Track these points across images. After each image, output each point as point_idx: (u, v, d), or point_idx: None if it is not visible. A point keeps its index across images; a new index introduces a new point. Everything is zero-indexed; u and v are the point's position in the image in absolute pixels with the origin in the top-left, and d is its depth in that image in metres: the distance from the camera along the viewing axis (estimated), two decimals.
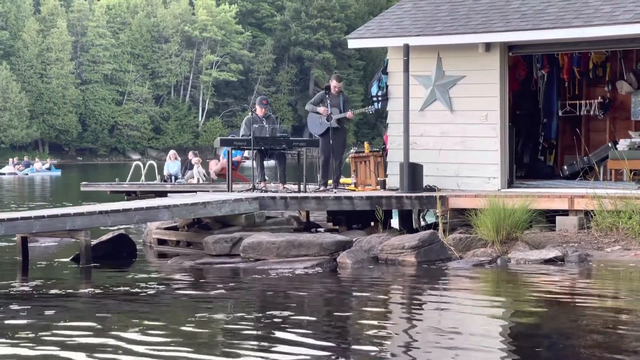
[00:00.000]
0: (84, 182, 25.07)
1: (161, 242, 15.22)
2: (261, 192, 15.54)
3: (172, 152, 26.83)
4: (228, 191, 15.88)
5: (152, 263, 14.00)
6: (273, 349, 7.77)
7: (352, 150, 17.11)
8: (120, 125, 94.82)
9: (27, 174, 53.91)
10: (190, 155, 26.41)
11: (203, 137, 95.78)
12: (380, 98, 16.37)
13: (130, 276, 12.56)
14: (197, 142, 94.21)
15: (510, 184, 15.38)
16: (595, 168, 16.00)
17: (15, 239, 13.95)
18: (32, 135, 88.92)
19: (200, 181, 23.96)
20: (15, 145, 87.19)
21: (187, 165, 25.70)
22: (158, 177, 25.77)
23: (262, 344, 7.99)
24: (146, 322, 8.99)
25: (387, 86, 16.18)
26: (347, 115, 16.00)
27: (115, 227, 15.47)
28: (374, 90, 16.60)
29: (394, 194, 14.82)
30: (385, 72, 16.28)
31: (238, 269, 12.61)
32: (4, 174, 54.32)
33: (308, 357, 7.49)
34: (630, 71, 17.18)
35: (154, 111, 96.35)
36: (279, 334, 8.36)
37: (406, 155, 14.89)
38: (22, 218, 12.76)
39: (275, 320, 9.01)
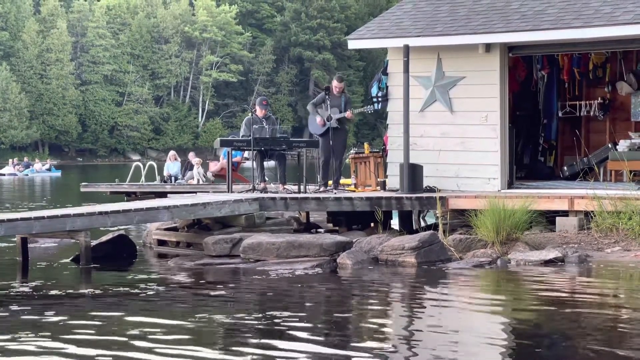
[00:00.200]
0: (83, 183, 25.08)
1: (161, 242, 15.22)
2: (261, 192, 15.53)
3: (172, 152, 26.83)
4: (228, 192, 15.88)
5: (152, 264, 13.99)
6: (273, 349, 7.76)
7: (352, 151, 17.11)
8: (120, 126, 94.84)
9: (27, 175, 53.92)
10: (191, 156, 26.41)
11: (203, 137, 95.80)
12: (380, 99, 16.37)
13: (130, 277, 12.56)
14: (197, 142, 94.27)
15: (510, 185, 15.38)
16: (595, 169, 16.00)
17: (15, 239, 13.95)
18: (32, 136, 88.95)
19: (200, 182, 23.95)
20: (15, 146, 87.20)
21: (187, 166, 25.70)
22: (158, 177, 25.77)
23: (262, 344, 7.99)
24: (146, 323, 8.99)
25: (387, 87, 16.19)
26: (347, 116, 16.00)
27: (115, 228, 15.47)
28: (374, 91, 16.61)
29: (394, 194, 14.82)
30: (385, 73, 16.28)
31: (238, 269, 12.61)
32: (4, 174, 54.32)
33: (308, 358, 7.49)
34: (630, 72, 17.18)
35: (153, 112, 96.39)
36: (279, 335, 8.36)
37: (406, 156, 14.89)
38: (22, 219, 12.76)
39: (275, 321, 9.01)
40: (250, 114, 16.57)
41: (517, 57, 16.77)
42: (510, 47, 15.28)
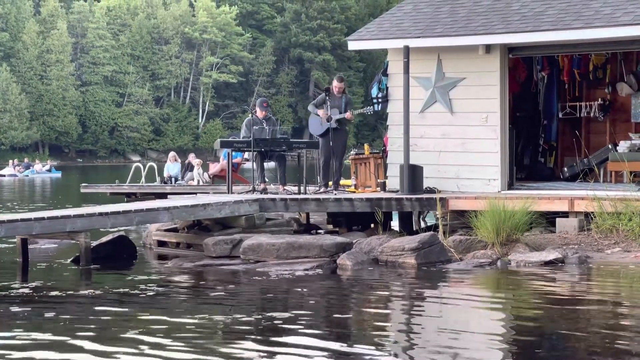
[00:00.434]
0: (84, 184, 25.10)
1: (161, 243, 15.22)
2: (261, 193, 15.54)
3: (172, 153, 26.86)
4: (228, 193, 15.88)
5: (152, 265, 13.99)
6: (273, 350, 7.76)
7: (352, 152, 17.12)
8: (120, 127, 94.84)
9: (27, 176, 53.90)
10: (191, 157, 26.42)
11: (203, 138, 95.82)
12: (380, 100, 16.38)
13: (130, 278, 12.55)
14: (197, 143, 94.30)
15: (510, 186, 15.38)
16: (595, 170, 16.00)
17: (15, 240, 13.94)
18: (32, 137, 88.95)
19: (201, 183, 23.96)
20: (15, 146, 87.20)
21: (187, 167, 25.72)
22: (158, 178, 25.80)
23: (262, 345, 7.99)
24: (146, 324, 8.99)
25: (387, 88, 16.19)
26: (346, 116, 16.00)
27: (115, 229, 15.45)
28: (374, 92, 16.61)
29: (394, 195, 14.82)
30: (385, 74, 16.28)
31: (238, 270, 12.60)
32: (4, 175, 54.29)
33: (308, 358, 7.49)
34: (631, 73, 17.19)
35: (154, 113, 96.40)
36: (279, 336, 8.36)
37: (406, 157, 14.89)
38: (22, 220, 12.76)
39: (276, 321, 9.01)
40: (250, 115, 16.57)
41: (517, 58, 16.77)
42: (510, 48, 15.28)
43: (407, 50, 15.00)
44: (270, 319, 9.12)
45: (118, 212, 13.38)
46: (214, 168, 24.60)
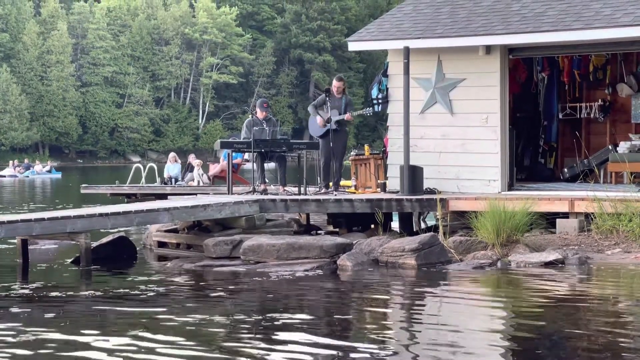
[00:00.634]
0: (84, 185, 25.05)
1: (161, 244, 15.22)
2: (261, 194, 15.53)
3: (172, 154, 26.82)
4: (228, 194, 15.88)
5: (152, 265, 13.99)
6: (273, 351, 7.77)
7: (352, 153, 17.11)
8: (120, 128, 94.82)
9: (27, 177, 53.91)
10: (191, 157, 26.41)
11: (203, 139, 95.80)
12: (380, 101, 16.38)
13: (130, 279, 12.55)
14: (197, 144, 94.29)
15: (510, 187, 15.38)
16: (595, 171, 16.00)
17: (15, 241, 13.95)
18: (32, 138, 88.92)
19: (201, 184, 23.95)
20: (15, 147, 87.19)
21: (187, 168, 25.69)
22: (158, 179, 25.77)
23: (263, 346, 7.99)
24: (146, 325, 8.99)
25: (387, 89, 16.19)
26: (346, 117, 16.01)
27: (116, 230, 15.45)
28: (374, 92, 16.61)
29: (394, 196, 14.82)
30: (385, 75, 16.28)
31: (238, 271, 12.60)
32: (4, 176, 54.31)
33: (308, 359, 7.51)
34: (631, 74, 17.19)
35: (154, 114, 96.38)
36: (279, 336, 8.36)
37: (406, 158, 14.89)
38: (22, 220, 12.77)
39: (276, 322, 9.01)
40: (250, 115, 16.57)
41: (518, 59, 16.78)
42: (510, 49, 15.28)
43: (407, 51, 15.00)
44: (270, 320, 9.12)
45: (118, 213, 13.38)
46: (214, 169, 24.58)
